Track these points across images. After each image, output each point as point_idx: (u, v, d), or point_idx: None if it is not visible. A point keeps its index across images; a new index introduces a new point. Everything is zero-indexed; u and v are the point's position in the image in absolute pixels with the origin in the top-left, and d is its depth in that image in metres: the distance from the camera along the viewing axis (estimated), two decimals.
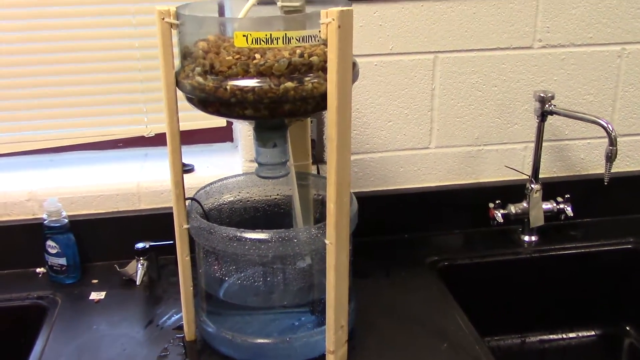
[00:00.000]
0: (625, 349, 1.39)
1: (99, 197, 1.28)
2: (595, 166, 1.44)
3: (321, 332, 0.98)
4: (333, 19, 0.79)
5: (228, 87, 0.83)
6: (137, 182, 1.29)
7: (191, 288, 1.02)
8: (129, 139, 1.37)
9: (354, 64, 0.88)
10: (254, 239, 0.91)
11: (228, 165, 1.35)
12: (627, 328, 1.40)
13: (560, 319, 1.38)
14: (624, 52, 1.36)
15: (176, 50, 0.90)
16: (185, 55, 0.90)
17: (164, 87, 0.89)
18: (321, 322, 0.99)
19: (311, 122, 1.22)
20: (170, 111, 0.91)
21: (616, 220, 1.43)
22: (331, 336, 0.96)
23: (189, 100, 0.90)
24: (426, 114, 1.33)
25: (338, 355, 0.98)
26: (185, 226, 0.97)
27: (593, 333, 1.39)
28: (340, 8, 0.79)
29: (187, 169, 1.33)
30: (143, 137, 1.35)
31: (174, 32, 0.89)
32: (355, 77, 0.89)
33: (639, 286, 1.36)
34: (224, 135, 1.43)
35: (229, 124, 1.40)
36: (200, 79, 0.85)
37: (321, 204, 1.09)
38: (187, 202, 0.99)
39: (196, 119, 1.32)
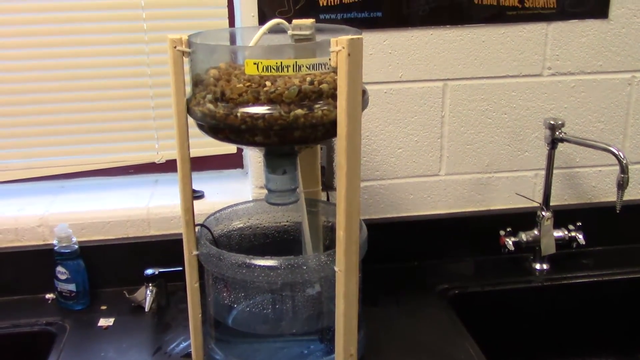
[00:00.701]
0: None
1: (109, 223, 1.28)
2: (607, 194, 1.43)
3: None
4: (343, 47, 0.80)
5: (238, 114, 0.84)
6: (147, 208, 1.30)
7: (200, 315, 1.01)
8: (140, 165, 1.38)
9: (364, 92, 0.89)
10: (263, 265, 0.91)
11: (238, 191, 1.36)
12: None
13: (573, 348, 1.36)
14: (634, 80, 1.35)
15: (188, 78, 0.91)
16: (197, 82, 0.91)
17: (175, 114, 0.90)
18: (330, 350, 0.98)
19: (321, 149, 1.23)
20: (181, 138, 0.91)
21: (629, 249, 1.42)
22: None
23: (200, 127, 0.91)
24: (436, 141, 1.33)
25: None
26: (195, 252, 0.97)
27: None
28: (350, 36, 0.80)
29: (197, 195, 1.33)
30: (154, 163, 1.36)
31: (186, 59, 0.89)
32: (365, 104, 0.90)
33: None
34: (234, 162, 1.43)
35: (240, 150, 1.40)
36: (211, 106, 0.86)
37: (331, 230, 1.09)
38: (197, 228, 0.99)
39: (207, 145, 1.33)
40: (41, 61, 1.27)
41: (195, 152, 1.20)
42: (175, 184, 0.94)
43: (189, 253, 0.97)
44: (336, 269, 0.90)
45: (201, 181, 1.38)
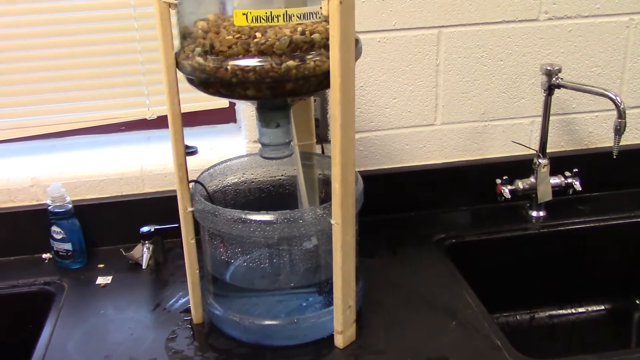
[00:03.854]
0: (635, 323, 1.38)
1: (102, 182, 1.27)
2: (604, 139, 1.42)
3: (329, 312, 0.97)
4: None
5: (229, 67, 0.82)
6: (140, 165, 1.28)
7: (197, 271, 1.01)
8: (132, 122, 1.36)
9: (357, 41, 0.87)
10: (259, 220, 0.91)
11: (232, 146, 1.34)
12: (637, 302, 1.39)
13: (570, 294, 1.37)
14: (632, 23, 1.33)
15: (175, 31, 0.89)
16: (185, 35, 0.89)
17: (164, 69, 0.88)
18: (329, 302, 0.98)
19: (314, 101, 1.21)
20: (171, 94, 0.90)
21: (625, 194, 1.42)
22: (339, 316, 0.95)
23: (190, 81, 0.89)
24: (431, 91, 1.31)
25: (346, 335, 0.98)
26: (190, 209, 0.97)
27: (602, 307, 1.39)
28: None
29: (190, 151, 1.32)
30: (146, 119, 1.34)
31: (173, 12, 0.87)
32: (358, 54, 0.88)
33: None
34: (227, 117, 1.41)
35: (232, 104, 1.38)
36: (200, 60, 0.84)
37: (326, 183, 1.08)
38: (191, 184, 0.98)
39: (198, 100, 1.31)
40: (28, 17, 1.24)
41: (186, 107, 1.18)
42: (169, 140, 0.93)
43: (184, 210, 0.97)
44: (332, 221, 0.90)
45: (194, 137, 1.36)
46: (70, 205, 1.21)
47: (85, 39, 1.27)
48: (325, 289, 1.00)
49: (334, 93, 0.82)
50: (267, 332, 0.98)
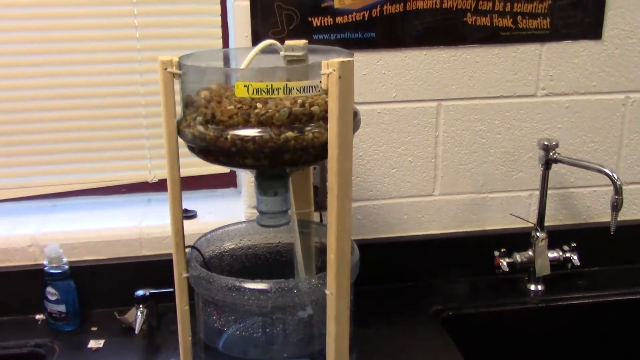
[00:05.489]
0: None
1: (100, 243, 1.27)
2: (602, 214, 1.42)
3: None
4: (334, 70, 0.80)
5: (229, 137, 0.83)
6: (139, 228, 1.29)
7: (190, 338, 1.00)
8: (133, 184, 1.37)
9: (355, 113, 0.88)
10: (254, 289, 0.90)
11: (231, 211, 1.35)
12: None
13: None
14: (628, 101, 1.35)
15: (179, 98, 0.91)
16: (188, 104, 0.90)
17: (166, 135, 0.90)
18: None
19: (314, 168, 1.22)
20: (172, 160, 0.91)
21: (624, 270, 1.41)
22: None
23: (190, 149, 0.90)
24: (430, 162, 1.32)
25: None
26: (185, 275, 0.96)
27: None
28: (341, 59, 0.80)
29: (190, 215, 1.32)
30: (147, 182, 1.35)
31: (177, 80, 0.89)
32: (356, 126, 0.89)
33: None
34: (227, 181, 1.43)
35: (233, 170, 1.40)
36: (201, 128, 0.85)
37: (323, 252, 1.07)
38: (188, 250, 0.98)
39: (200, 164, 1.30)
40: (33, 80, 1.27)
41: (188, 171, 1.20)
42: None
43: (179, 276, 0.96)
44: (327, 292, 0.89)
45: (194, 200, 1.37)
46: (67, 267, 1.21)
47: (90, 102, 1.29)
48: (318, 359, 0.99)
49: (331, 164, 0.84)
50: None
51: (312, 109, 0.85)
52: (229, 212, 1.35)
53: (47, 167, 1.32)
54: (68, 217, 1.33)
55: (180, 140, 0.91)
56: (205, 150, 0.87)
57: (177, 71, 0.87)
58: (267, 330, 0.98)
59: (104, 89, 1.29)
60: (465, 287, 1.36)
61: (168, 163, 0.91)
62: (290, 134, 0.83)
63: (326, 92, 0.82)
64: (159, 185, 1.36)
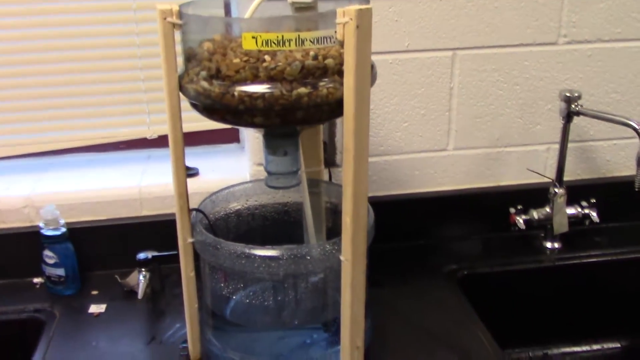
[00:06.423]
0: None
1: (99, 204, 1.21)
2: (622, 168, 1.36)
3: (335, 353, 0.91)
4: (351, 19, 0.72)
5: (236, 93, 0.76)
6: (139, 187, 1.23)
7: (196, 305, 0.95)
8: (132, 140, 1.30)
9: (372, 66, 0.81)
10: (264, 256, 0.85)
11: (234, 168, 1.29)
12: None
13: (585, 330, 1.31)
14: None
15: (179, 48, 0.83)
16: (189, 57, 0.83)
17: (166, 92, 0.82)
18: (335, 341, 0.92)
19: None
20: (174, 118, 0.84)
21: None
22: (346, 358, 0.89)
23: (194, 106, 0.83)
24: (444, 115, 1.26)
25: None
26: (190, 240, 0.91)
27: (619, 345, 1.32)
28: (358, 6, 0.72)
29: (192, 172, 1.26)
30: (146, 138, 1.29)
31: (177, 31, 0.81)
32: (373, 80, 0.82)
33: None
34: (230, 136, 1.36)
35: None
36: (205, 84, 0.78)
37: (334, 212, 1.02)
38: (192, 213, 0.92)
39: (200, 119, 1.24)
40: (27, 30, 1.19)
41: (189, 127, 1.13)
42: (169, 160, 0.87)
43: (184, 241, 0.91)
44: (342, 258, 0.84)
45: (195, 157, 1.31)
46: (65, 229, 1.15)
47: (85, 54, 1.21)
48: (332, 328, 0.94)
49: (347, 123, 0.77)
50: None
51: (326, 62, 0.77)
52: (232, 169, 1.29)
53: (41, 123, 1.25)
54: (64, 176, 1.27)
55: (181, 97, 0.84)
56: (210, 108, 0.80)
57: (178, 21, 0.80)
58: (278, 297, 0.93)
59: (98, 39, 1.21)
60: (479, 245, 1.31)
61: (170, 122, 0.84)
62: (303, 89, 0.76)
63: (342, 43, 0.74)
64: (159, 141, 1.29)
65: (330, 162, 1.22)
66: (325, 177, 1.12)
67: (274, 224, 1.07)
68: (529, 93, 1.27)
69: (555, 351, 1.31)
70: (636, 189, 1.15)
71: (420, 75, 1.22)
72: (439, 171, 1.30)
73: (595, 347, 1.32)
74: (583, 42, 1.25)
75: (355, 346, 0.89)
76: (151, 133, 1.27)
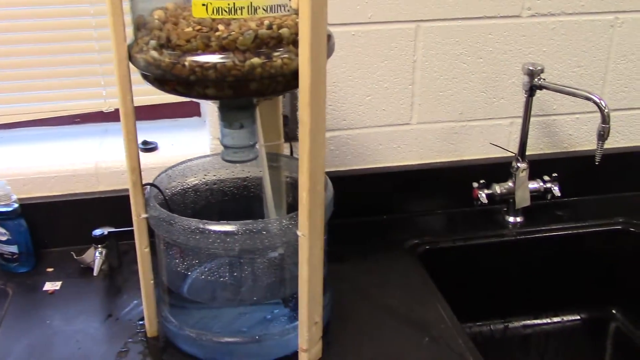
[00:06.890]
0: (611, 333, 1.34)
1: (53, 179, 1.18)
2: (583, 142, 1.37)
3: (293, 328, 0.90)
4: None
5: (187, 64, 0.74)
6: (95, 162, 1.19)
7: (152, 282, 0.93)
8: (88, 114, 1.26)
9: (329, 37, 0.79)
10: (219, 231, 0.83)
11: (195, 143, 1.26)
12: (614, 311, 1.35)
13: (545, 303, 1.32)
14: (616, 22, 1.27)
15: (129, 18, 0.80)
16: (139, 25, 0.80)
17: (116, 62, 0.79)
18: (295, 316, 0.91)
19: (283, 96, 1.13)
20: (123, 90, 0.81)
21: (605, 199, 1.37)
22: (304, 333, 0.89)
23: (144, 77, 0.81)
24: (407, 88, 1.24)
25: (312, 353, 0.91)
26: (144, 216, 0.88)
27: (578, 317, 1.34)
28: None
29: (150, 147, 1.23)
30: (102, 112, 1.25)
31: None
32: (330, 51, 0.80)
33: (627, 268, 1.31)
34: (191, 110, 1.33)
35: None
36: (155, 54, 0.76)
37: (294, 187, 1.00)
38: (146, 188, 0.90)
39: (159, 92, 1.22)
40: None
41: (146, 99, 1.09)
42: None
43: (137, 216, 0.88)
44: (299, 233, 0.83)
45: (154, 131, 1.27)
46: (17, 205, 1.11)
47: (35, 24, 1.17)
48: (290, 303, 0.93)
49: (302, 95, 0.75)
50: (226, 350, 0.91)
51: (280, 31, 0.75)
52: (192, 143, 1.26)
53: None
54: (16, 150, 1.23)
55: (132, 68, 0.81)
56: (160, 78, 0.77)
57: None
58: (235, 273, 0.91)
59: (51, 7, 1.16)
60: (441, 220, 1.31)
61: (120, 93, 0.81)
62: (256, 60, 0.74)
63: (296, 12, 0.72)
64: (116, 115, 1.24)
65: (292, 136, 1.19)
66: (287, 151, 1.10)
67: (233, 199, 1.06)
68: (493, 66, 1.26)
69: (516, 324, 1.32)
70: (596, 163, 1.16)
71: (384, 48, 1.20)
72: (402, 145, 1.29)
73: (556, 319, 1.33)
74: (547, 15, 1.24)
75: (313, 322, 0.89)
76: (107, 106, 1.24)
